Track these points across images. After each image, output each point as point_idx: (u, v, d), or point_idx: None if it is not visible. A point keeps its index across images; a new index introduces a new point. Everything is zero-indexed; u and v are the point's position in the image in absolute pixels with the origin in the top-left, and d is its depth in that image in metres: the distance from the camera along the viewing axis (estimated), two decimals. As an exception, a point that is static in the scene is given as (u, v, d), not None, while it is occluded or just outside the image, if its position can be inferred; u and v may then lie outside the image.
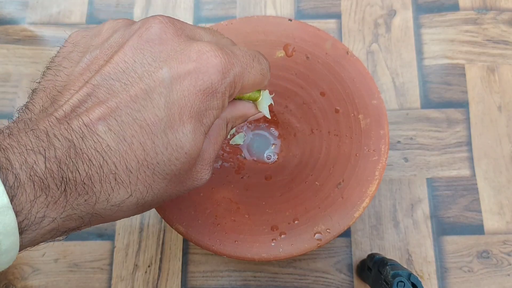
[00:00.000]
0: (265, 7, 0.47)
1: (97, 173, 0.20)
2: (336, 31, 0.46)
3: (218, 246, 0.31)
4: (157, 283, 0.39)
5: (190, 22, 0.47)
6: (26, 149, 0.19)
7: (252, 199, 0.34)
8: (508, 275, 0.38)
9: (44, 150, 0.19)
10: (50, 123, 0.20)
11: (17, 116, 0.22)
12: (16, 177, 0.18)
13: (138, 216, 0.41)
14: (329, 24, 0.46)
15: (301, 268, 0.39)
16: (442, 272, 0.38)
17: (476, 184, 0.40)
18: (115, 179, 0.21)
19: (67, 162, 0.19)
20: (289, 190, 0.34)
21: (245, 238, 0.31)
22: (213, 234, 0.31)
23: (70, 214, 0.20)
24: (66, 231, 0.21)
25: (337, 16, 0.46)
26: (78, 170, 0.20)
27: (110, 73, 0.22)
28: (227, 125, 0.27)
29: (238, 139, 0.38)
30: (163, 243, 0.40)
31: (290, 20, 0.37)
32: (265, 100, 0.29)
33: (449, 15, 0.46)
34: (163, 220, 0.39)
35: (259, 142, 0.37)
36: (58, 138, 0.19)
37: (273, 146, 0.37)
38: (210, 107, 0.23)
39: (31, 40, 0.46)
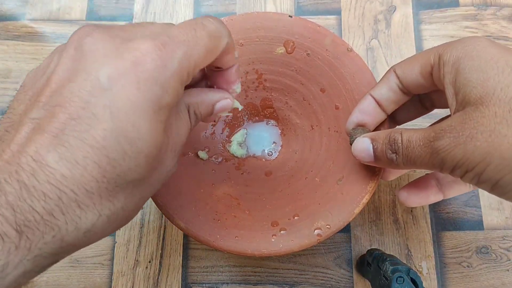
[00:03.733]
0: (265, 3, 0.47)
1: (57, 205, 0.19)
2: (336, 27, 0.45)
3: (219, 242, 0.31)
4: (157, 278, 0.39)
5: (190, 18, 0.47)
6: None
7: (253, 195, 0.34)
8: (507, 270, 0.38)
9: None
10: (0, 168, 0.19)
11: None
12: None
13: (138, 212, 0.41)
14: (329, 20, 0.46)
15: (301, 263, 0.39)
16: (441, 267, 0.38)
17: (476, 180, 0.40)
18: (79, 206, 0.20)
19: (20, 204, 0.19)
20: (289, 186, 0.34)
21: (246, 234, 0.31)
22: (214, 229, 0.31)
23: (37, 254, 0.19)
24: (41, 269, 0.20)
25: (337, 12, 0.46)
26: (35, 210, 0.19)
27: (48, 101, 0.21)
28: (188, 110, 0.26)
29: (239, 137, 0.38)
30: (163, 239, 0.40)
31: (290, 16, 0.37)
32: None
33: (449, 11, 0.45)
34: (163, 216, 0.39)
35: (260, 138, 0.37)
36: (8, 182, 0.19)
37: (274, 144, 0.37)
38: (161, 100, 0.21)
39: (32, 36, 0.46)
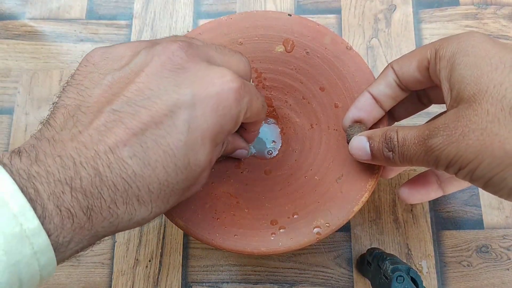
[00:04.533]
0: (265, 2, 0.47)
1: (122, 197, 0.21)
2: (336, 26, 0.45)
3: (218, 240, 0.31)
4: (157, 277, 0.39)
5: (190, 17, 0.47)
6: (54, 180, 0.20)
7: (252, 194, 0.34)
8: (507, 269, 0.38)
9: (71, 180, 0.20)
10: (76, 149, 0.21)
11: (40, 130, 0.22)
12: (44, 208, 0.19)
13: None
14: (329, 19, 0.46)
15: (300, 262, 0.39)
16: (441, 266, 0.38)
17: (476, 179, 0.40)
18: (138, 201, 0.22)
19: (92, 191, 0.20)
20: (288, 185, 0.34)
21: (245, 232, 0.31)
22: (213, 228, 0.31)
23: (94, 235, 0.22)
24: (91, 246, 0.23)
25: (337, 11, 0.46)
26: (103, 197, 0.21)
27: (134, 99, 0.22)
28: (223, 144, 0.30)
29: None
30: (163, 238, 0.40)
31: (289, 15, 0.37)
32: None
33: (449, 10, 0.45)
34: (163, 215, 0.39)
35: (259, 138, 0.37)
36: (84, 167, 0.20)
37: (273, 143, 0.37)
38: (225, 129, 0.24)
39: (31, 35, 0.46)
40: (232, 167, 0.36)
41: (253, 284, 0.38)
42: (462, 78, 0.24)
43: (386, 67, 0.30)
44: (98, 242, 0.23)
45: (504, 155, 0.21)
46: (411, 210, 0.40)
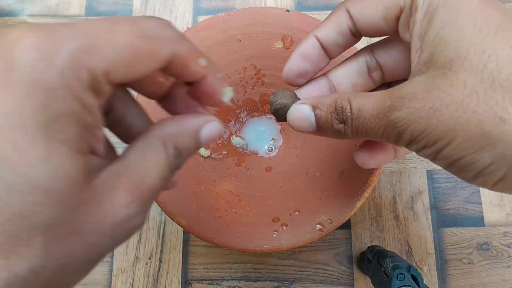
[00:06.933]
0: (265, -2, 0.46)
1: None
2: (336, 23, 0.45)
3: (220, 239, 0.31)
4: (157, 274, 0.39)
5: (190, 14, 0.46)
6: None
7: (253, 191, 0.34)
8: (508, 267, 0.38)
9: None
10: None
11: None
12: None
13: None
14: (330, 16, 0.45)
15: (301, 260, 0.39)
16: (442, 264, 0.38)
17: (477, 176, 0.40)
18: None
19: None
20: (289, 182, 0.34)
21: (247, 230, 0.31)
22: (215, 227, 0.31)
23: None
24: None
25: (338, 7, 0.46)
26: None
27: None
28: (164, 146, 0.19)
29: (238, 141, 0.37)
30: (163, 235, 0.40)
31: (287, 11, 0.36)
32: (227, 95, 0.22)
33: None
34: (163, 212, 0.39)
35: (260, 134, 0.37)
36: None
37: (273, 141, 0.37)
38: (50, 108, 0.15)
39: (30, 32, 0.46)
40: (232, 165, 0.35)
41: (253, 282, 0.38)
42: (439, 38, 0.20)
43: (339, 8, 0.25)
44: None
45: (480, 136, 0.18)
46: (412, 207, 0.40)
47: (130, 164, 0.18)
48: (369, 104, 0.21)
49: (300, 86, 0.27)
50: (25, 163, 0.14)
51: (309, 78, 0.27)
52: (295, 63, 0.26)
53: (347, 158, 0.33)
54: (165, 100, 0.22)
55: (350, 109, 0.22)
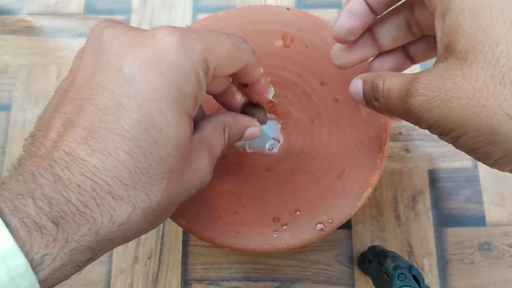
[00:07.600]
0: (265, -3, 0.46)
1: (92, 197, 0.19)
2: (337, 21, 0.45)
3: (220, 239, 0.31)
4: (157, 275, 0.39)
5: (189, 11, 0.46)
6: (16, 195, 0.18)
7: (253, 191, 0.34)
8: (510, 267, 0.38)
9: (32, 191, 0.18)
10: (35, 163, 0.19)
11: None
12: (7, 223, 0.17)
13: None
14: (330, 14, 0.45)
15: (301, 260, 0.39)
16: (443, 264, 0.38)
17: (478, 175, 0.40)
18: (113, 197, 0.20)
19: (56, 197, 0.19)
20: (290, 181, 0.34)
21: (247, 230, 0.31)
22: (215, 227, 0.31)
23: (74, 247, 0.19)
24: (79, 264, 0.20)
25: (338, 5, 0.46)
26: (70, 201, 0.19)
27: (75, 96, 0.21)
28: (224, 130, 0.26)
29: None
30: (163, 235, 0.40)
31: (288, 9, 0.36)
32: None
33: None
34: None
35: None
36: (43, 176, 0.19)
37: (273, 140, 0.36)
38: (186, 91, 0.21)
39: (29, 30, 0.46)
40: (232, 164, 0.35)
41: (254, 282, 0.38)
42: (458, 25, 0.20)
43: None
44: (89, 260, 0.21)
45: (490, 132, 0.19)
46: (413, 207, 0.39)
47: (206, 135, 0.25)
48: (397, 86, 0.23)
49: (349, 44, 0.29)
50: (166, 124, 0.21)
51: (358, 35, 0.28)
52: (343, 21, 0.27)
53: (347, 158, 0.33)
54: (220, 95, 0.29)
55: (382, 88, 0.24)
